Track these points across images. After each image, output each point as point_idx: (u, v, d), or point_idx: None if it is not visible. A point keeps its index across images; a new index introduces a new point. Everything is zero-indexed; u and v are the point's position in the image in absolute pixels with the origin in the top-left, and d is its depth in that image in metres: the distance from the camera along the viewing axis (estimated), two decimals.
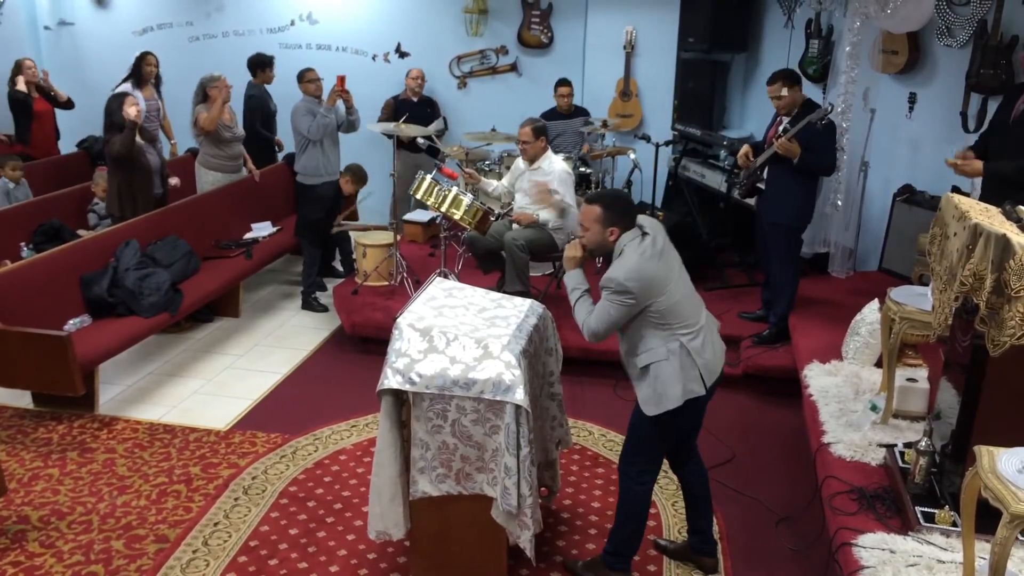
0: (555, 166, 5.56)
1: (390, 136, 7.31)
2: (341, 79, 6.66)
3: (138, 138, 5.76)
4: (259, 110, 7.17)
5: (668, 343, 3.05)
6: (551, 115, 7.17)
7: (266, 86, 7.37)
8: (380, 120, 7.32)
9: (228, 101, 6.49)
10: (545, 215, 5.50)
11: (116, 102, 5.72)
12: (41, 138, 7.45)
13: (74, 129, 7.96)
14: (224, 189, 6.67)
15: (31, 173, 6.88)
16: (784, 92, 4.86)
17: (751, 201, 5.56)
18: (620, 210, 3.14)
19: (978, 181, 4.81)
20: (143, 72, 6.92)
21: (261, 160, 7.27)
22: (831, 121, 4.84)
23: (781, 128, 4.94)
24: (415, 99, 7.51)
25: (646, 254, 3.04)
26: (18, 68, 7.24)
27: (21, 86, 7.16)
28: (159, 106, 7.15)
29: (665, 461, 3.39)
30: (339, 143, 6.99)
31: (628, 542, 3.36)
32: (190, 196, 6.50)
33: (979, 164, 4.18)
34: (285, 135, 7.28)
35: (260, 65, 7.19)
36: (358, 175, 6.34)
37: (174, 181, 6.37)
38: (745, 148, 5.22)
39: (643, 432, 3.20)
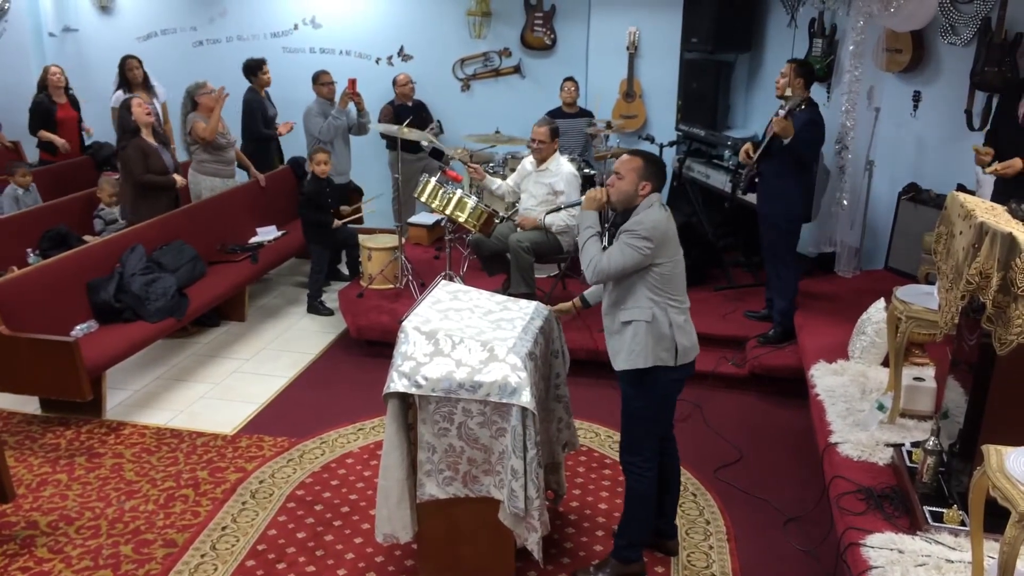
0: (563, 168, 5.57)
1: (385, 138, 7.35)
2: (352, 82, 6.71)
3: (152, 139, 5.83)
4: (259, 112, 7.18)
5: (655, 308, 3.16)
6: (556, 114, 7.17)
7: (267, 89, 7.40)
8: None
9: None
10: (550, 218, 5.50)
11: (125, 108, 5.87)
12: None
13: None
14: (228, 193, 6.67)
15: (36, 178, 6.90)
16: (788, 72, 5.00)
17: (752, 198, 5.57)
18: (657, 169, 3.26)
19: (984, 179, 4.81)
20: (129, 77, 6.98)
21: (265, 164, 7.28)
22: (814, 107, 4.95)
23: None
24: (409, 103, 7.52)
25: (669, 216, 3.22)
26: (43, 72, 7.29)
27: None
28: (157, 110, 7.17)
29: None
30: (350, 144, 7.04)
31: (640, 532, 3.42)
32: (195, 201, 6.52)
33: (1019, 163, 4.23)
34: (297, 136, 7.32)
35: (252, 70, 7.22)
36: (309, 156, 6.35)
37: (182, 181, 6.33)
38: (747, 145, 5.24)
39: (635, 414, 3.28)
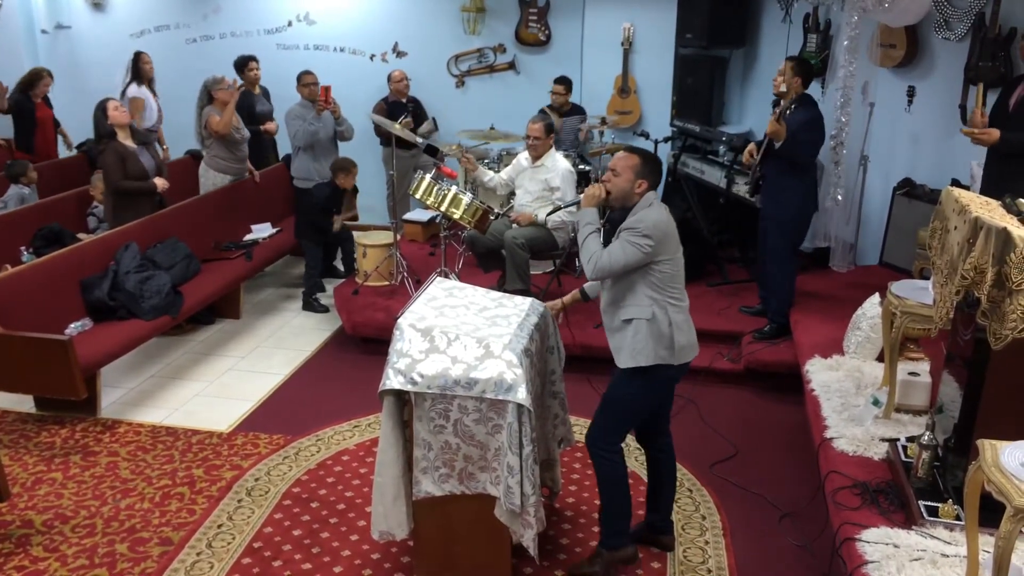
0: (559, 164, 5.57)
1: (379, 136, 7.31)
2: (325, 90, 6.58)
3: (130, 142, 5.76)
4: (242, 108, 7.14)
5: (655, 306, 3.18)
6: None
7: (263, 86, 7.38)
8: (375, 125, 7.24)
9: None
10: (544, 214, 5.50)
11: (101, 111, 5.81)
12: (42, 142, 7.44)
13: (73, 132, 7.95)
14: (223, 191, 6.66)
15: None
16: (786, 70, 4.98)
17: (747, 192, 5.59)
18: (654, 167, 3.29)
19: (978, 173, 4.82)
20: (144, 71, 6.98)
21: (252, 160, 7.25)
22: (813, 106, 4.92)
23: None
24: (404, 100, 7.51)
25: (669, 215, 3.24)
26: (35, 77, 7.22)
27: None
28: (158, 107, 7.15)
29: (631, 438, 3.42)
30: (336, 147, 6.96)
31: (621, 516, 3.42)
32: (190, 198, 6.49)
33: (996, 132, 4.26)
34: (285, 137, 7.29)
35: (238, 67, 7.22)
36: (343, 166, 6.33)
37: (163, 185, 6.18)
38: (750, 146, 5.25)
39: (620, 399, 3.29)
